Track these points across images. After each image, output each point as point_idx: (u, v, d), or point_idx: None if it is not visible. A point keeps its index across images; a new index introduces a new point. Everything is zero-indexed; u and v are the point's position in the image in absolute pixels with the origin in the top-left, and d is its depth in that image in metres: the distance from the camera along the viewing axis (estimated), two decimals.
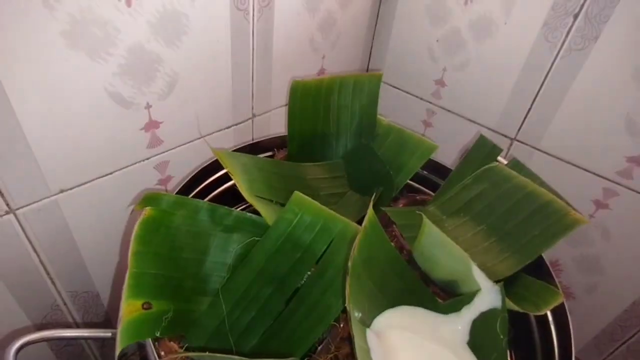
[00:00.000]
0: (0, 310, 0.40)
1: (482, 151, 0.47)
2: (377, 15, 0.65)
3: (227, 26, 0.44)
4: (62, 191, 0.39)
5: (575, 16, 0.46)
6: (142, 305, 0.28)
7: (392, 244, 0.35)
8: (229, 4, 0.43)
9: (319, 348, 0.32)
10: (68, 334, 0.32)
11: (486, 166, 0.45)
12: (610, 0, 0.44)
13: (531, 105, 0.54)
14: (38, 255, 0.41)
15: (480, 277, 0.33)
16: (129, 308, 0.27)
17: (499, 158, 0.46)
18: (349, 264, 0.28)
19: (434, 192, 0.49)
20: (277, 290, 0.36)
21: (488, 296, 0.33)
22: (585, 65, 0.48)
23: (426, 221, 0.34)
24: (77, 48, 0.34)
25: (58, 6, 0.32)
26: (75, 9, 0.32)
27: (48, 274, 0.43)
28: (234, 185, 0.47)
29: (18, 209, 0.37)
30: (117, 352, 0.25)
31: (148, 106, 0.42)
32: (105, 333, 0.32)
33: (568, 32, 0.47)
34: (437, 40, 0.60)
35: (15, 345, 0.28)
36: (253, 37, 0.48)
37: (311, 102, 0.48)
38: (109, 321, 0.54)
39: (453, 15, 0.57)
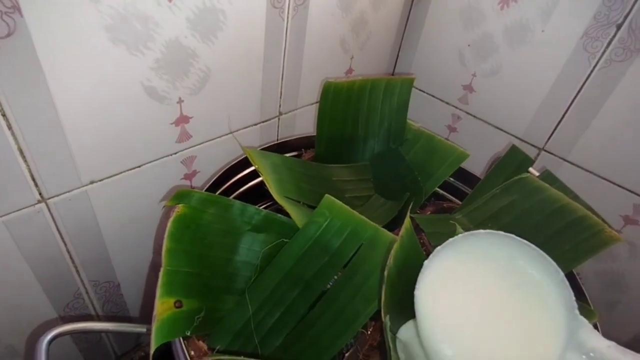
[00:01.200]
0: (26, 296, 0.41)
1: (513, 161, 0.46)
2: (408, 18, 0.64)
3: (261, 24, 0.44)
4: (92, 182, 0.40)
5: (619, 26, 0.45)
6: (175, 303, 0.28)
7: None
8: (265, 1, 0.42)
9: (347, 355, 0.32)
10: (99, 327, 0.32)
11: (517, 177, 0.44)
12: None
13: (563, 115, 0.53)
14: (65, 245, 0.41)
15: None
16: (163, 306, 0.27)
17: (531, 169, 0.45)
18: (385, 273, 0.28)
19: (460, 200, 0.48)
20: (303, 292, 0.36)
21: None
22: (625, 78, 0.46)
23: (460, 231, 0.34)
24: (118, 42, 0.34)
25: (103, 0, 0.31)
26: (119, 3, 0.32)
27: (74, 263, 0.43)
28: (259, 183, 0.47)
29: (50, 198, 0.37)
30: (152, 350, 0.25)
31: (180, 101, 0.42)
32: (141, 328, 0.32)
33: (609, 43, 0.46)
34: (469, 45, 0.59)
35: (48, 336, 0.28)
36: (286, 36, 0.47)
37: (342, 103, 0.47)
38: (126, 311, 0.54)
39: (487, 20, 0.55)
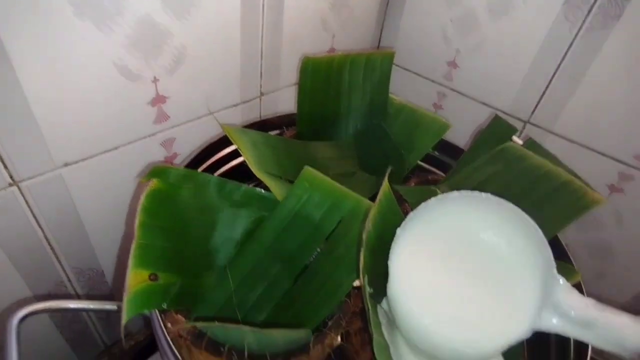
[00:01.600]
0: (4, 284, 0.40)
1: (496, 131, 0.46)
2: None
3: (236, 1, 0.43)
4: (66, 164, 0.39)
5: None
6: (149, 276, 0.28)
7: None
8: None
9: (330, 323, 0.31)
10: (72, 306, 0.32)
11: (501, 146, 0.43)
12: None
13: (546, 87, 0.53)
14: (42, 230, 0.40)
15: None
16: (136, 278, 0.27)
17: (514, 138, 0.45)
18: (363, 236, 0.27)
19: (445, 173, 0.48)
20: (285, 266, 0.35)
21: None
22: (606, 45, 0.46)
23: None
24: (84, 17, 0.33)
25: None
26: None
27: (52, 249, 0.42)
28: (241, 163, 0.46)
29: (22, 181, 0.36)
30: (123, 321, 0.24)
31: (155, 80, 0.41)
32: (112, 306, 0.31)
33: (589, 10, 0.46)
34: (451, 20, 0.59)
35: (18, 315, 0.27)
36: (263, 12, 0.46)
37: (322, 79, 0.47)
38: (113, 299, 0.54)
39: None
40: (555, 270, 0.26)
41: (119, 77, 0.38)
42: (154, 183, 0.31)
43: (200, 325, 0.27)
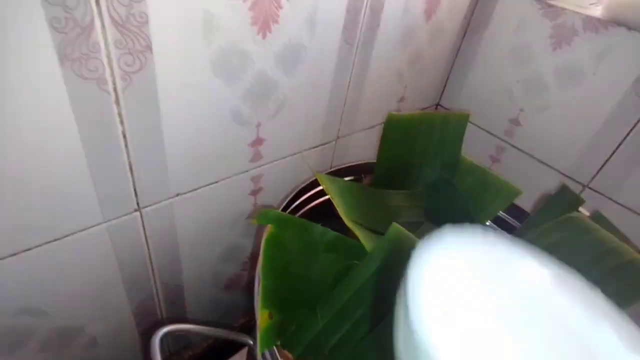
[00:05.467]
0: (110, 291, 0.45)
1: (563, 200, 0.48)
2: (457, 53, 0.67)
3: (334, 56, 0.48)
4: (178, 195, 0.44)
5: None
6: (269, 315, 0.32)
7: None
8: (339, 38, 0.46)
9: None
10: (207, 332, 0.36)
11: (567, 214, 0.46)
12: None
13: (610, 156, 0.55)
14: (149, 249, 0.45)
15: None
16: (262, 317, 0.31)
17: (581, 209, 0.47)
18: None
19: (509, 233, 0.51)
20: (369, 311, 0.39)
21: None
22: None
23: None
24: (218, 73, 0.38)
25: (213, 39, 0.36)
26: (224, 42, 0.37)
27: (152, 266, 0.47)
28: (321, 204, 0.50)
29: (144, 207, 0.41)
30: (259, 357, 0.29)
31: (258, 125, 0.46)
32: (247, 340, 0.35)
33: None
34: (518, 81, 0.62)
35: (160, 333, 0.32)
36: (353, 68, 0.51)
37: (401, 133, 0.51)
38: (184, 313, 0.58)
39: (539, 60, 0.58)
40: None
41: (232, 122, 0.43)
42: (270, 228, 0.36)
43: None
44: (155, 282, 0.49)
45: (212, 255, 0.54)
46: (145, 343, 0.52)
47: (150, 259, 0.46)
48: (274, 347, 0.31)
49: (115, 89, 0.32)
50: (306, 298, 0.38)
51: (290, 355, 0.33)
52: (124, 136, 0.35)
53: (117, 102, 0.33)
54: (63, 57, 0.29)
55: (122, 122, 0.34)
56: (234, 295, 0.63)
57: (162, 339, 0.31)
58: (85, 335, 0.46)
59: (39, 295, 0.39)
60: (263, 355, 0.32)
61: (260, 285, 0.32)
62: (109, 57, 0.31)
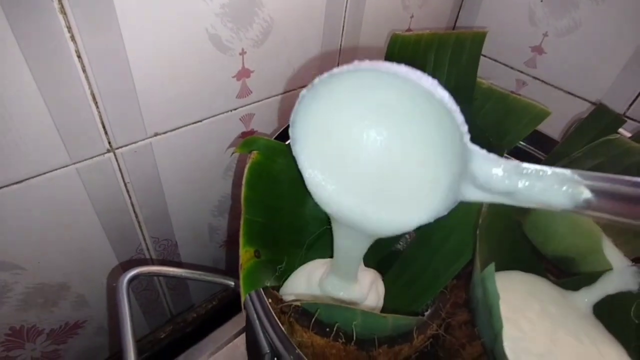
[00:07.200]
0: (94, 244, 0.41)
1: (599, 122, 0.42)
2: None
3: None
4: (156, 134, 0.39)
5: None
6: (254, 253, 0.27)
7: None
8: None
9: (426, 313, 0.30)
10: (183, 274, 0.32)
11: (605, 138, 0.40)
12: None
13: None
14: (130, 198, 0.41)
15: (613, 255, 0.29)
16: (246, 256, 0.26)
17: (621, 130, 0.41)
18: (477, 232, 0.26)
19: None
20: (369, 250, 0.34)
21: (621, 277, 0.29)
22: None
23: None
24: None
25: None
26: None
27: (137, 217, 0.43)
28: None
29: (118, 148, 0.37)
30: (243, 299, 0.24)
31: (243, 52, 0.40)
32: (230, 282, 0.31)
33: None
34: (542, 0, 0.54)
35: (128, 275, 0.28)
36: None
37: (408, 56, 0.44)
38: None
39: None
40: (466, 140, 0.21)
41: (211, 47, 0.38)
42: (255, 155, 0.31)
43: (308, 303, 0.27)
44: (143, 236, 0.46)
45: (205, 208, 0.50)
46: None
47: (133, 208, 0.42)
48: (261, 289, 0.26)
49: None
50: (300, 237, 0.34)
51: (280, 297, 0.29)
52: (79, 56, 0.30)
53: (63, 11, 0.28)
54: None
55: (73, 39, 0.29)
56: (234, 254, 0.60)
57: (130, 282, 0.27)
58: (72, 293, 0.43)
59: (10, 248, 0.35)
60: (247, 300, 0.27)
61: (242, 219, 0.27)
62: None
